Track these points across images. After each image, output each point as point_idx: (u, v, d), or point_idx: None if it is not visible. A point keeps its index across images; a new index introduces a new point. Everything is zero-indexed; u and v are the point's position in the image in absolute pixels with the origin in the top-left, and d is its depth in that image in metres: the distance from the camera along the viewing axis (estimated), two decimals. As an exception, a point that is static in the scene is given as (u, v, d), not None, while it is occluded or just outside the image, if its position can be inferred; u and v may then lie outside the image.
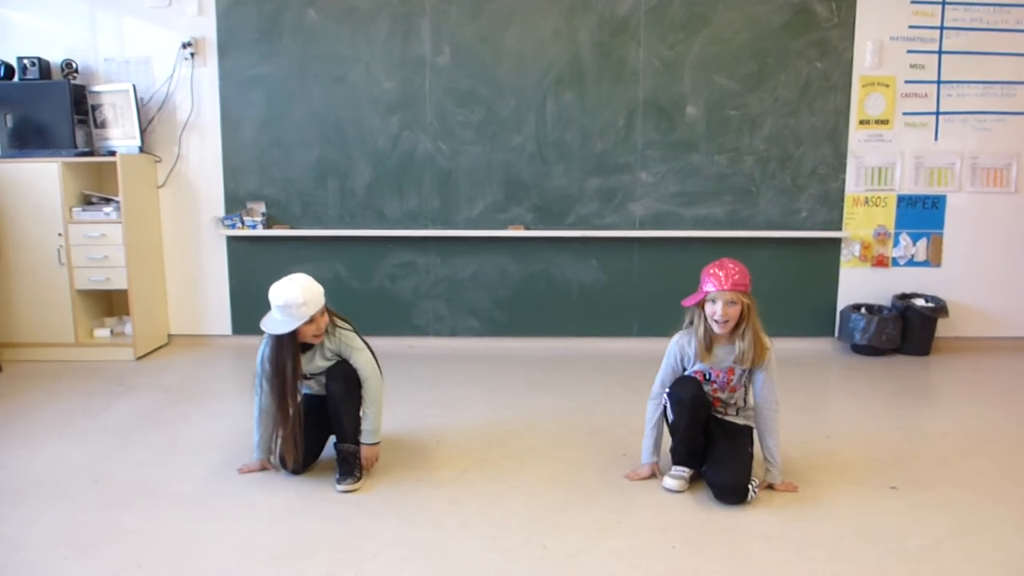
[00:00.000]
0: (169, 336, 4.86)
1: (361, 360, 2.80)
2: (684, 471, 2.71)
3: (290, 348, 2.67)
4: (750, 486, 2.58)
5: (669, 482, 2.70)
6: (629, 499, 2.65)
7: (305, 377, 2.81)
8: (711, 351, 2.62)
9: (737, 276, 2.54)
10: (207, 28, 4.56)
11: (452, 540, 2.37)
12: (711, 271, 2.57)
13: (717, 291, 2.53)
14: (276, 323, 2.63)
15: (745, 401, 2.79)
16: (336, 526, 2.46)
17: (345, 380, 2.78)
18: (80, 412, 3.57)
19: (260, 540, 2.37)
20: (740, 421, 2.77)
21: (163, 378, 4.14)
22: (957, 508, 2.59)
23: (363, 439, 2.79)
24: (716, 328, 2.58)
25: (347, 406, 2.79)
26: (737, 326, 2.59)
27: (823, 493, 2.69)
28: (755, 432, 2.73)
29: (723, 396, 2.73)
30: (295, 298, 2.59)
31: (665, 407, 2.74)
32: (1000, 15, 4.52)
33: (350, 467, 2.77)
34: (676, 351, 2.71)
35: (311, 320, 2.64)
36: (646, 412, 2.80)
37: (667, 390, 2.71)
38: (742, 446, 2.69)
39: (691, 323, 2.67)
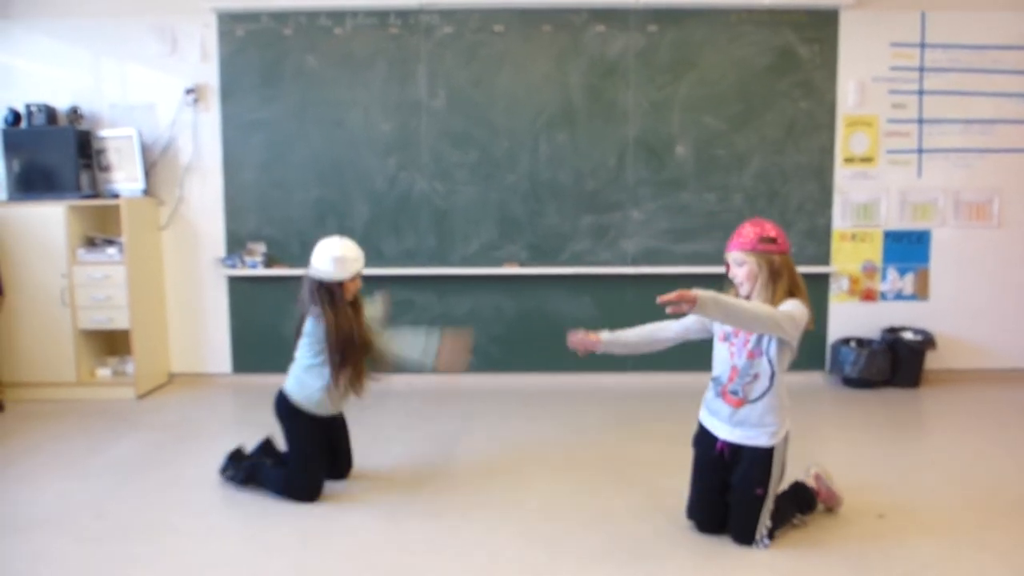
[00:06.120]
0: (170, 375, 4.92)
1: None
2: None
3: (346, 310, 2.90)
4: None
5: None
6: (623, 529, 2.71)
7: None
8: None
9: (742, 237, 2.48)
10: (210, 75, 4.70)
11: (449, 571, 2.42)
12: None
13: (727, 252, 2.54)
14: (330, 273, 2.85)
15: (771, 384, 2.52)
16: (336, 556, 2.51)
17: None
18: (82, 451, 3.62)
19: (262, 573, 2.41)
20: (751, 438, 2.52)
21: (164, 416, 4.19)
22: (943, 535, 2.64)
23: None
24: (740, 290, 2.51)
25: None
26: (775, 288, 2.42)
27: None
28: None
29: (740, 364, 2.51)
30: (352, 251, 2.90)
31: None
32: (977, 56, 4.68)
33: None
34: None
35: (356, 277, 2.94)
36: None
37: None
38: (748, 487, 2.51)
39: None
